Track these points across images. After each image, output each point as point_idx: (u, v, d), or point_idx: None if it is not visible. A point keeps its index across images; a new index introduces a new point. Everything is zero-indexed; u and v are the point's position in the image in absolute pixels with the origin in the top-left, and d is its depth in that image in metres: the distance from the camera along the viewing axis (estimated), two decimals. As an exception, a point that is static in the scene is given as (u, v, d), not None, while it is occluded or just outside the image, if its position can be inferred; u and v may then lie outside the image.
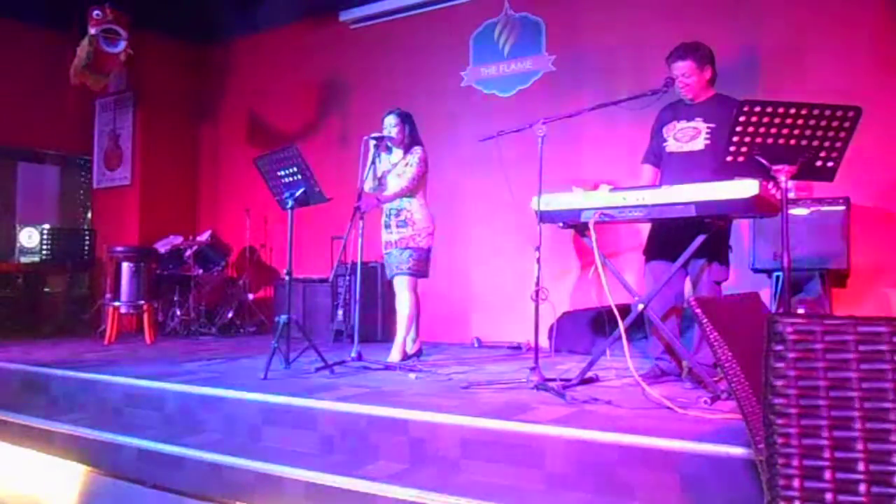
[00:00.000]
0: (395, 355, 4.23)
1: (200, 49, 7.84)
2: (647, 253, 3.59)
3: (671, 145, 3.51)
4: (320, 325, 5.95)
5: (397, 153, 4.38)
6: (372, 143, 4.19)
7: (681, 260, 3.13)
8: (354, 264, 4.20)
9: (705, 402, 2.79)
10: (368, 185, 4.29)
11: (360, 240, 4.14)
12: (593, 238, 3.12)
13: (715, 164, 3.11)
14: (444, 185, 5.47)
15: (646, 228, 3.68)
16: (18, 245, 7.08)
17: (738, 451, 2.07)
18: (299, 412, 3.00)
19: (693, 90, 3.41)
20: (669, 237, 3.34)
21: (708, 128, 3.38)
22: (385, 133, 4.31)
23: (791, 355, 1.25)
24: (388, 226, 4.35)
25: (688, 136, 3.43)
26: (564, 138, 4.94)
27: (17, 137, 7.19)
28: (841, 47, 4.47)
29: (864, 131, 2.61)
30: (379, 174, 4.38)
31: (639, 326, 3.64)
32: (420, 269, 4.28)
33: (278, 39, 7.21)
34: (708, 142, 3.36)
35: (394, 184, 4.31)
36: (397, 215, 4.30)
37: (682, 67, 3.38)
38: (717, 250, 3.28)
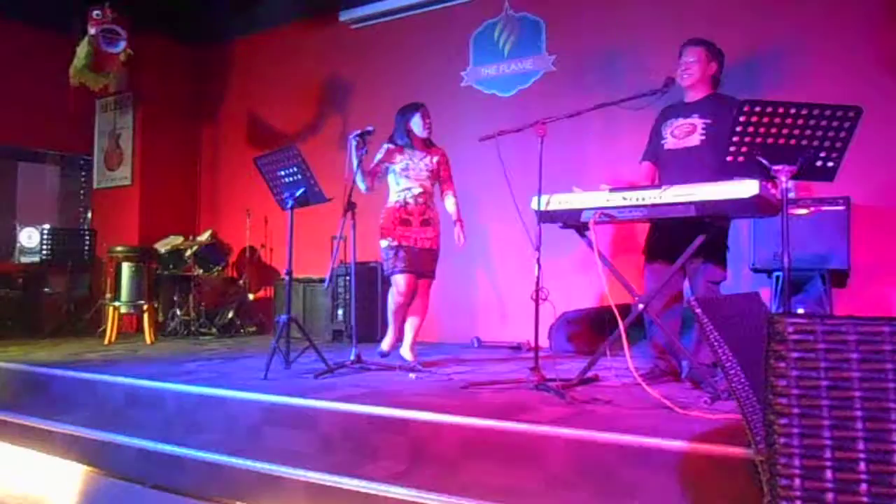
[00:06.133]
0: (409, 355, 4.24)
1: (201, 49, 7.83)
2: (646, 254, 3.60)
3: (669, 142, 3.52)
4: (320, 325, 5.95)
5: (420, 144, 4.27)
6: (353, 141, 4.06)
7: (680, 260, 3.13)
8: (355, 263, 4.20)
9: (705, 402, 2.79)
10: (367, 183, 4.21)
11: (352, 234, 4.10)
12: (593, 238, 3.12)
13: (711, 160, 3.13)
14: (444, 185, 5.47)
15: (646, 228, 3.68)
16: (18, 245, 7.08)
17: (738, 451, 2.07)
18: (299, 412, 3.00)
19: (693, 77, 3.42)
20: (668, 237, 3.34)
21: (704, 123, 3.39)
22: (420, 127, 4.20)
23: (792, 355, 1.24)
24: (407, 222, 4.17)
25: (684, 133, 3.45)
26: (565, 138, 4.93)
27: (17, 137, 7.20)
28: (841, 48, 4.46)
29: (865, 131, 2.61)
30: (398, 169, 4.20)
31: (639, 326, 3.64)
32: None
33: (278, 40, 7.21)
34: (703, 137, 3.38)
35: (423, 177, 4.21)
36: (422, 214, 4.20)
37: (692, 52, 3.44)
38: (713, 251, 3.28)
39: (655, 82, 3.47)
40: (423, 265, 4.20)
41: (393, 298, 4.22)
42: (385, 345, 4.37)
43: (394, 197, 4.23)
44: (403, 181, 4.20)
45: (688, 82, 3.44)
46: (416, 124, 4.22)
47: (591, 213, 3.13)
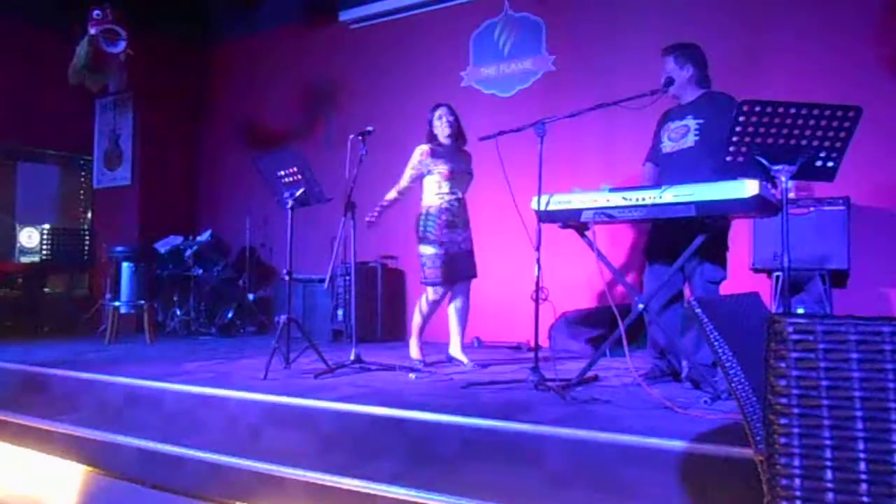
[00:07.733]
0: (463, 356, 4.28)
1: (200, 49, 7.83)
2: (647, 254, 3.60)
3: (666, 145, 3.54)
4: (320, 325, 5.95)
5: (454, 146, 4.25)
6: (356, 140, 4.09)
7: (680, 260, 3.13)
8: (355, 263, 4.19)
9: (705, 402, 2.79)
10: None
11: (352, 234, 4.10)
12: (593, 238, 3.12)
13: (705, 159, 3.14)
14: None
15: (647, 229, 3.68)
16: (18, 245, 7.08)
17: (738, 451, 2.07)
18: (299, 412, 3.00)
19: (674, 87, 3.47)
20: (669, 238, 3.34)
21: (697, 124, 3.40)
22: (437, 129, 4.18)
23: (792, 355, 1.24)
24: (453, 225, 4.18)
25: (679, 135, 3.47)
26: (565, 138, 4.93)
27: (17, 137, 7.19)
28: (840, 48, 4.46)
29: (865, 131, 2.61)
30: (444, 171, 4.16)
31: (639, 326, 3.64)
32: None
33: (278, 39, 7.21)
34: (697, 137, 3.39)
35: (465, 181, 4.27)
36: (463, 216, 4.24)
37: (664, 63, 3.52)
38: (711, 251, 3.28)
39: (655, 82, 3.48)
40: (466, 268, 4.23)
41: (426, 307, 4.21)
42: (418, 353, 4.28)
43: (436, 200, 4.15)
44: (447, 184, 4.16)
45: (670, 92, 3.49)
46: (435, 126, 4.22)
47: (591, 213, 3.13)
